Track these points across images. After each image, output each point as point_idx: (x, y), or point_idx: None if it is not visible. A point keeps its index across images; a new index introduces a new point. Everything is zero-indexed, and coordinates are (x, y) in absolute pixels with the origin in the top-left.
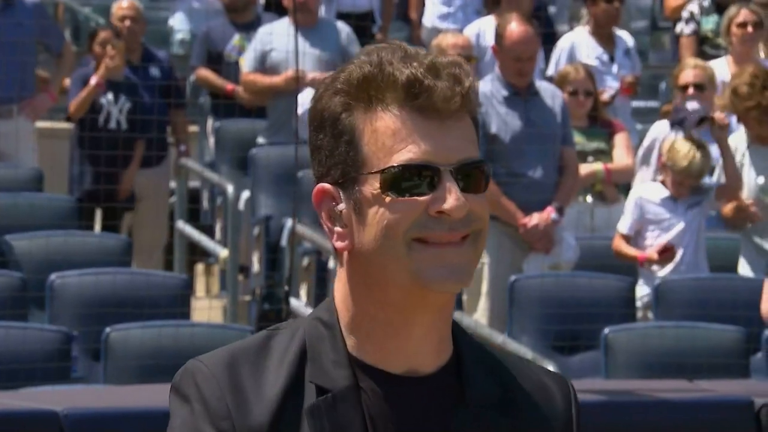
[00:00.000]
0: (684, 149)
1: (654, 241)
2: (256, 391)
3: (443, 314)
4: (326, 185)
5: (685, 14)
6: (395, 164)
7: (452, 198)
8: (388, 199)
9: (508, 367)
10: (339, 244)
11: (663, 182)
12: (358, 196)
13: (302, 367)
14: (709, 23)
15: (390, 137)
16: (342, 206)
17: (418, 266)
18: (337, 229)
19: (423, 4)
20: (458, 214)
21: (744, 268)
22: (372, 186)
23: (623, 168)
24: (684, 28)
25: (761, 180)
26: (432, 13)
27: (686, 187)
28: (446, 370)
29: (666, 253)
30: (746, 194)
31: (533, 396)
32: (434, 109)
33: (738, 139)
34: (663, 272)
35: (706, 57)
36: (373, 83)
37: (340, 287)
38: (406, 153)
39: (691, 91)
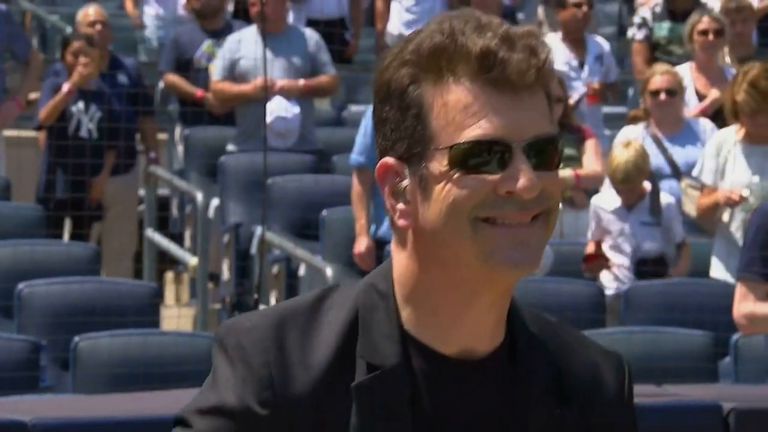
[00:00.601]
0: (616, 158)
1: (608, 250)
2: (302, 360)
3: (507, 296)
4: (390, 160)
5: (637, 20)
6: (465, 140)
7: (524, 178)
8: (456, 175)
9: (562, 346)
10: (401, 222)
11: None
12: (424, 173)
13: (352, 339)
14: (662, 30)
15: (461, 111)
16: (406, 182)
17: (487, 248)
18: (400, 206)
19: (388, 12)
20: (530, 195)
21: (717, 270)
22: (440, 162)
23: (593, 174)
24: (636, 34)
25: (756, 179)
26: (397, 21)
27: (628, 194)
28: (499, 353)
29: (593, 260)
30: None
31: (585, 379)
32: (508, 83)
33: (725, 136)
34: (603, 279)
35: (658, 61)
36: (445, 54)
37: (398, 265)
38: (477, 129)
39: (663, 96)
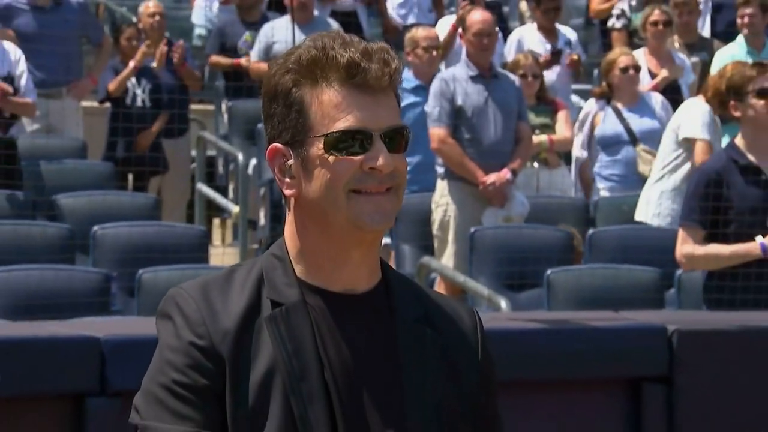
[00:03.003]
0: None
1: None
2: (224, 306)
3: (373, 248)
4: (278, 145)
5: (616, 11)
6: (336, 130)
7: (382, 157)
8: (330, 158)
9: (426, 293)
10: (288, 192)
11: None
12: (305, 155)
13: (260, 289)
14: (638, 18)
15: (332, 108)
16: (291, 162)
17: (355, 212)
18: (287, 180)
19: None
20: (386, 170)
21: (642, 214)
22: (317, 147)
23: (564, 140)
24: (615, 23)
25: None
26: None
27: None
28: (377, 290)
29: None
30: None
31: (447, 316)
32: (368, 86)
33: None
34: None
35: (635, 46)
36: (319, 64)
37: (289, 226)
38: (345, 121)
39: (631, 71)
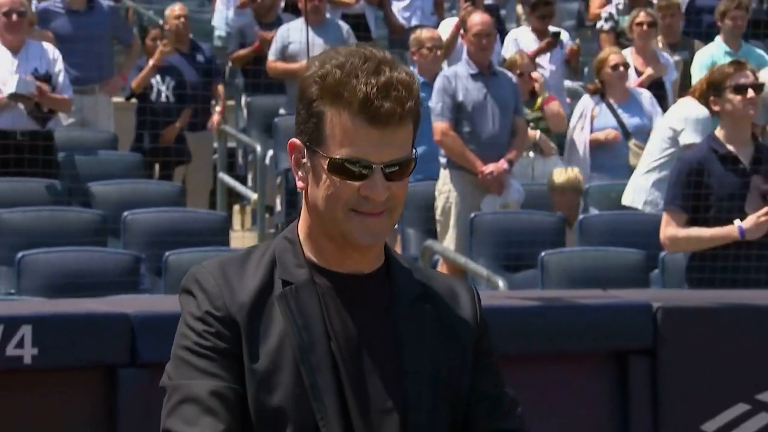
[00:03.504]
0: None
1: None
2: (240, 283)
3: (371, 249)
4: (297, 141)
5: (604, 14)
6: (340, 156)
7: (378, 187)
8: (333, 178)
9: (426, 273)
10: (300, 185)
11: None
12: (315, 163)
13: (273, 270)
14: (624, 21)
15: (342, 133)
16: (305, 160)
17: (349, 228)
18: (300, 174)
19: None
20: (380, 199)
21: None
22: (324, 163)
23: (557, 113)
24: (604, 25)
25: None
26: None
27: None
28: (380, 271)
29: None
30: None
31: (446, 293)
32: (379, 122)
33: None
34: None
35: (622, 46)
36: (339, 91)
37: (303, 212)
38: (350, 150)
39: (621, 68)
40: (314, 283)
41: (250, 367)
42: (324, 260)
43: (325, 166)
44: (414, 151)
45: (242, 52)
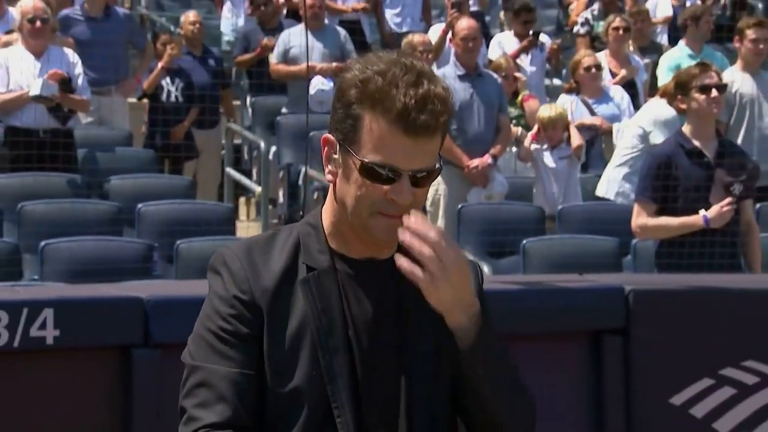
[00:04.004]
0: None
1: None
2: (265, 267)
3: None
4: (331, 137)
5: (580, 20)
6: (371, 161)
7: (405, 193)
8: (363, 179)
9: None
10: (328, 177)
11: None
12: (346, 161)
13: (297, 254)
14: (599, 26)
15: (377, 138)
16: (336, 155)
17: (373, 226)
18: (330, 167)
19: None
20: (405, 203)
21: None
22: (355, 164)
23: (535, 110)
24: (580, 30)
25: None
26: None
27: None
28: (392, 257)
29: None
30: None
31: None
32: (413, 132)
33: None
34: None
35: (597, 49)
36: (379, 98)
37: (328, 201)
38: (382, 155)
39: (593, 70)
40: (335, 269)
41: (269, 348)
42: (344, 247)
43: (357, 167)
44: (439, 160)
45: (246, 56)
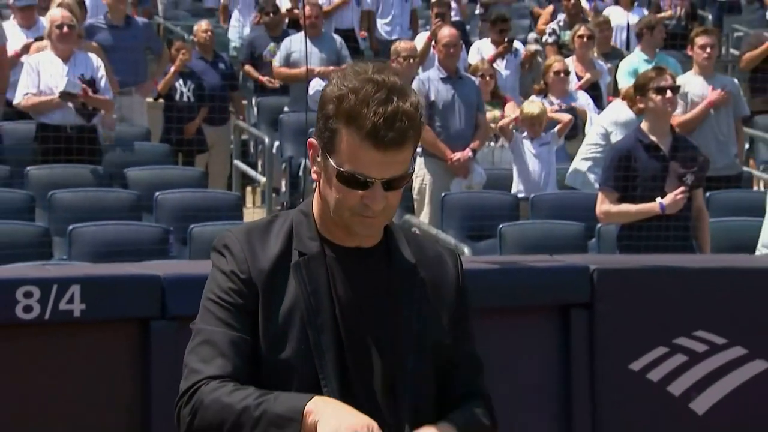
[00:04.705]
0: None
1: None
2: (262, 250)
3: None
4: (315, 142)
5: (548, 29)
6: (347, 170)
7: (377, 199)
8: (341, 186)
9: (418, 242)
10: (314, 176)
11: None
12: (327, 165)
13: (290, 240)
14: (566, 36)
15: (351, 151)
16: (319, 159)
17: (352, 224)
18: (315, 168)
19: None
20: (378, 208)
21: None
22: (333, 171)
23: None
24: (548, 39)
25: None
26: (381, 28)
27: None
28: (380, 245)
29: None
30: None
31: (434, 259)
32: (382, 147)
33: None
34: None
35: (564, 56)
36: (353, 116)
37: (316, 196)
38: (356, 165)
39: (562, 74)
40: (324, 254)
41: (264, 324)
42: (332, 235)
43: (335, 174)
44: (412, 165)
45: (252, 72)
